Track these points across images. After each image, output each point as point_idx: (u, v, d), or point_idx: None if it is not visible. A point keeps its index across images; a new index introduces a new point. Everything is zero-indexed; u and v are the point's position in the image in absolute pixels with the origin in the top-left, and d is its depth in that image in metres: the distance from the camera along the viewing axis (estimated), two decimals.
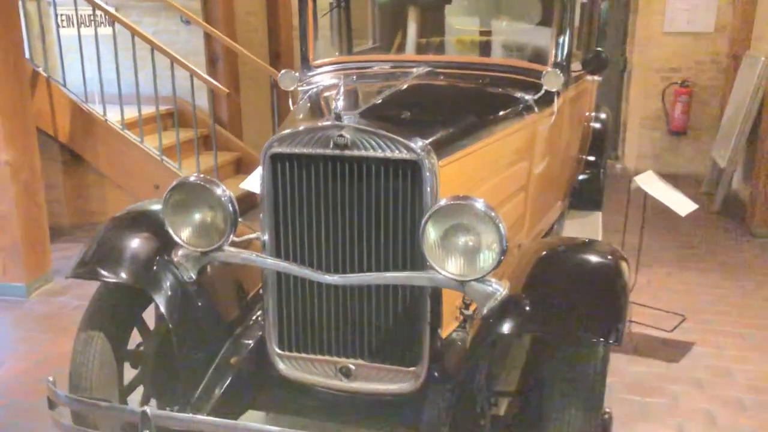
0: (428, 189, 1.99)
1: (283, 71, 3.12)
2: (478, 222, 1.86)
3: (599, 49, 3.08)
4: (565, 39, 2.98)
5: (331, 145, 2.02)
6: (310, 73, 3.29)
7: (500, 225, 1.83)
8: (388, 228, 2.05)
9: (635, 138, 7.46)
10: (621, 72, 7.46)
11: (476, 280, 1.91)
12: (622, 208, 3.94)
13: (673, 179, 7.09)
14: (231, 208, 2.09)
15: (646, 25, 7.15)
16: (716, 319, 3.95)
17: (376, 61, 3.29)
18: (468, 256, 1.89)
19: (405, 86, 2.60)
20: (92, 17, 4.98)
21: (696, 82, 7.13)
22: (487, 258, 1.87)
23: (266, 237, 2.17)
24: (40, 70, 4.95)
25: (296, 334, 2.22)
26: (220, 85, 5.02)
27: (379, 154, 1.99)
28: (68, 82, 5.16)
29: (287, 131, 2.08)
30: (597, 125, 4.69)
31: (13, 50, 3.92)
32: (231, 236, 2.12)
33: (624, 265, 2.03)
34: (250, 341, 2.33)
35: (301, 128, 2.06)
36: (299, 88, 3.07)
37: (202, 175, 2.13)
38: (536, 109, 2.80)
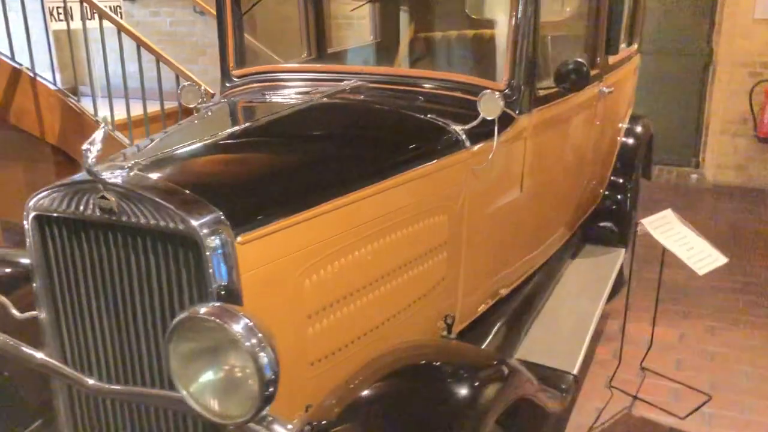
0: (212, 275, 1.43)
1: (185, 84, 2.60)
2: (230, 348, 1.26)
3: (580, 60, 2.30)
4: (523, 44, 2.26)
5: (98, 209, 1.51)
6: (229, 84, 2.74)
7: (260, 354, 1.23)
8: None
9: (715, 144, 6.36)
10: (704, 67, 6.35)
11: (242, 423, 1.32)
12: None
13: (760, 194, 6.04)
14: None
15: (733, 11, 6.01)
16: (755, 404, 2.97)
17: (308, 71, 2.69)
18: (222, 393, 1.30)
19: (284, 113, 2.04)
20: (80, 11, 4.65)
21: None
22: (244, 398, 1.27)
23: (43, 317, 1.70)
24: (23, 67, 4.70)
25: None
26: (203, 83, 4.55)
27: (152, 223, 1.46)
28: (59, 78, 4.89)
29: (49, 186, 1.61)
30: (629, 140, 3.83)
31: None
32: None
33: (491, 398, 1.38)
34: None
35: (62, 182, 1.59)
36: (200, 105, 2.53)
37: None
38: (468, 143, 2.12)
